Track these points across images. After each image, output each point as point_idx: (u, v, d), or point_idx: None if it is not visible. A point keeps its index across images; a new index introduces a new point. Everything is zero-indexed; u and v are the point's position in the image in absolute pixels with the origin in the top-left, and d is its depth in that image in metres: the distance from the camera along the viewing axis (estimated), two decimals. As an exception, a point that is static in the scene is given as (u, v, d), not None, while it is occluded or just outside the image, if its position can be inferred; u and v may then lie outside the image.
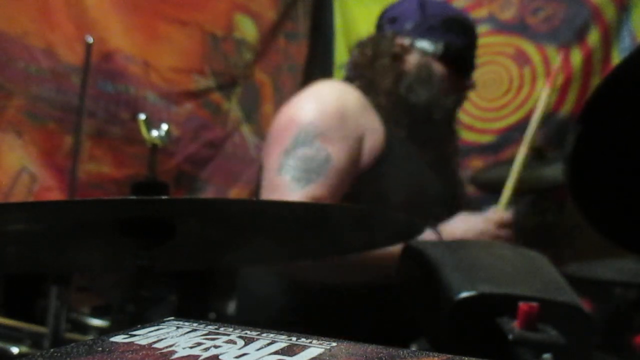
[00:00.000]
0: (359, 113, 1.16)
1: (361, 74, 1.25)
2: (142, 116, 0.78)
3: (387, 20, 1.31)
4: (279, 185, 1.07)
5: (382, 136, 1.18)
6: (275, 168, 1.09)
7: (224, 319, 1.16)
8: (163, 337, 0.31)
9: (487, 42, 1.96)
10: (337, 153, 1.09)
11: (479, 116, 1.96)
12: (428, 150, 1.26)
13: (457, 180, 1.39)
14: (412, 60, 1.24)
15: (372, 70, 1.23)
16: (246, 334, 0.32)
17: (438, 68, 1.23)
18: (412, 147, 1.24)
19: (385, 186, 1.14)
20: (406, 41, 1.25)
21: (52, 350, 0.28)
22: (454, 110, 1.31)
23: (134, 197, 0.65)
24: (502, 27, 1.95)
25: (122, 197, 0.65)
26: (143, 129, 0.78)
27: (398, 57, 1.24)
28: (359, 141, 1.14)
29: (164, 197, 0.65)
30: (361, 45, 1.30)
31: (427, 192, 1.22)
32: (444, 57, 1.22)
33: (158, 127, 0.79)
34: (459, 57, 1.24)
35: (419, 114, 1.21)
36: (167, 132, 0.80)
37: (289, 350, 0.29)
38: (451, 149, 1.38)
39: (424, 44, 1.23)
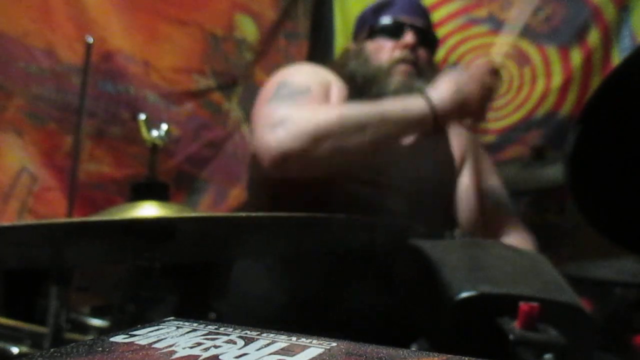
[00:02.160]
0: (325, 72, 1.35)
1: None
2: (142, 116, 0.79)
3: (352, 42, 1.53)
4: (266, 110, 1.21)
5: (345, 96, 1.31)
6: (260, 107, 1.24)
7: (224, 319, 1.16)
8: (163, 337, 0.31)
9: (487, 42, 1.96)
10: (314, 85, 1.26)
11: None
12: None
13: (448, 165, 1.40)
14: (352, 52, 1.43)
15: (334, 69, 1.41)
16: (246, 334, 0.32)
17: (370, 45, 1.39)
18: None
19: None
20: (352, 45, 1.46)
21: (52, 350, 0.28)
22: (407, 66, 1.37)
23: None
24: (502, 27, 1.95)
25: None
26: (143, 129, 0.78)
27: (345, 57, 1.44)
28: (328, 87, 1.30)
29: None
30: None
31: (389, 166, 1.28)
32: (372, 35, 1.40)
33: (158, 127, 0.79)
34: (387, 28, 1.40)
35: (357, 78, 1.36)
36: (167, 132, 0.80)
37: (289, 350, 0.29)
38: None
39: (361, 36, 1.43)
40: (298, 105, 1.20)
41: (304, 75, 1.33)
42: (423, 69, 1.38)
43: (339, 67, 1.40)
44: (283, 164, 1.14)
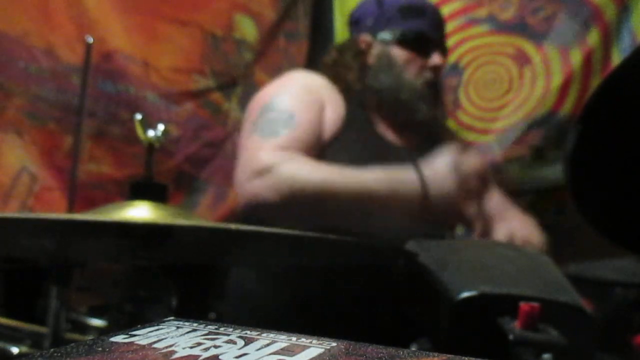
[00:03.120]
0: (322, 88, 1.29)
1: (325, 72, 1.37)
2: (139, 116, 0.79)
3: (351, 24, 1.44)
4: (250, 146, 1.20)
5: (343, 115, 1.27)
6: (245, 136, 1.23)
7: (224, 319, 1.16)
8: (163, 337, 0.31)
9: (487, 42, 1.96)
10: (299, 112, 1.22)
11: (479, 116, 1.96)
12: (411, 135, 1.33)
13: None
14: (374, 52, 1.35)
15: (336, 68, 1.35)
16: (246, 334, 0.32)
17: (398, 53, 1.32)
18: (382, 129, 1.32)
19: (340, 162, 1.20)
20: (368, 37, 1.36)
21: (52, 350, 0.28)
22: (431, 91, 1.35)
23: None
24: (502, 27, 1.95)
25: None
26: (139, 129, 0.78)
27: (362, 52, 1.35)
28: (321, 109, 1.25)
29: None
30: (328, 51, 1.44)
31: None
32: (402, 42, 1.32)
33: (155, 127, 0.79)
34: (418, 40, 1.33)
35: (385, 96, 1.31)
36: (164, 132, 0.80)
37: (289, 350, 0.29)
38: (447, 137, 1.40)
39: (384, 35, 1.34)
40: (283, 149, 1.17)
41: (291, 95, 1.27)
42: (440, 92, 1.38)
43: (356, 64, 1.34)
44: (255, 210, 1.16)
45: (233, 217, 1.88)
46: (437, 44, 1.36)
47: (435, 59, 1.34)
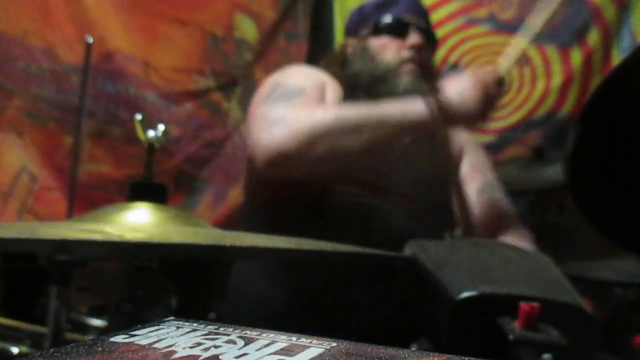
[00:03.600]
0: (322, 76, 1.34)
1: None
2: (139, 116, 0.78)
3: (344, 36, 1.52)
4: (262, 112, 1.20)
5: (340, 100, 1.29)
6: (255, 109, 1.23)
7: (224, 319, 1.16)
8: (163, 337, 0.31)
9: (487, 42, 1.96)
10: (308, 87, 1.25)
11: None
12: None
13: (446, 164, 1.40)
14: (354, 48, 1.41)
15: (324, 69, 1.40)
16: (246, 334, 0.32)
17: (373, 43, 1.37)
18: None
19: None
20: (351, 40, 1.43)
21: (52, 350, 0.28)
22: (412, 68, 1.36)
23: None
24: (502, 27, 1.95)
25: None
26: (139, 130, 0.78)
27: (344, 52, 1.42)
28: (324, 89, 1.29)
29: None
30: (318, 63, 1.49)
31: (385, 164, 1.28)
32: (376, 32, 1.37)
33: (155, 128, 0.79)
34: (392, 26, 1.38)
35: (362, 78, 1.34)
36: (164, 132, 0.80)
37: (289, 350, 0.29)
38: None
39: (363, 32, 1.40)
40: (293, 105, 1.19)
41: (298, 76, 1.32)
42: (426, 70, 1.38)
43: (338, 64, 1.40)
44: (277, 163, 1.13)
45: (235, 218, 1.88)
46: (414, 25, 1.38)
47: (413, 38, 1.36)
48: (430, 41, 1.42)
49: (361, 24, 1.43)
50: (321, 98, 1.27)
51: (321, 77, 1.33)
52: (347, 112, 1.18)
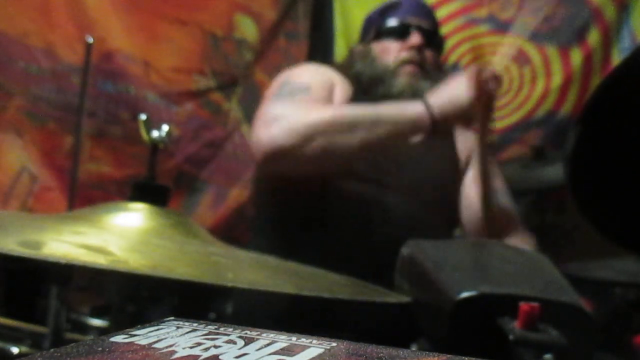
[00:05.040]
0: (330, 72, 1.36)
1: None
2: (143, 116, 0.78)
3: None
4: (267, 108, 1.23)
5: (349, 98, 1.31)
6: (262, 106, 1.26)
7: (224, 319, 1.16)
8: (163, 337, 0.31)
9: (487, 42, 1.96)
10: (315, 85, 1.27)
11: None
12: None
13: (451, 165, 1.40)
14: (358, 53, 1.44)
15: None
16: (246, 334, 0.32)
17: (375, 47, 1.40)
18: None
19: None
20: (357, 46, 1.47)
21: (52, 350, 0.28)
22: (412, 68, 1.37)
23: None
24: (502, 27, 1.95)
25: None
26: (143, 130, 0.78)
27: (351, 57, 1.45)
28: (332, 87, 1.30)
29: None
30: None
31: (392, 164, 1.30)
32: (379, 37, 1.41)
33: (159, 128, 0.79)
34: (393, 29, 1.40)
35: (363, 79, 1.37)
36: (168, 132, 0.79)
37: (289, 350, 0.29)
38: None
39: (367, 38, 1.44)
40: (296, 103, 1.21)
41: (306, 74, 1.34)
42: (429, 70, 1.39)
43: (345, 69, 1.41)
44: (274, 160, 1.16)
45: (236, 216, 1.88)
46: (415, 25, 1.39)
47: (413, 39, 1.37)
48: (434, 41, 1.42)
49: (368, 30, 1.46)
50: (327, 96, 1.29)
51: (330, 75, 1.35)
52: (344, 111, 1.20)
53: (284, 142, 1.14)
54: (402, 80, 1.34)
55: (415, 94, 1.27)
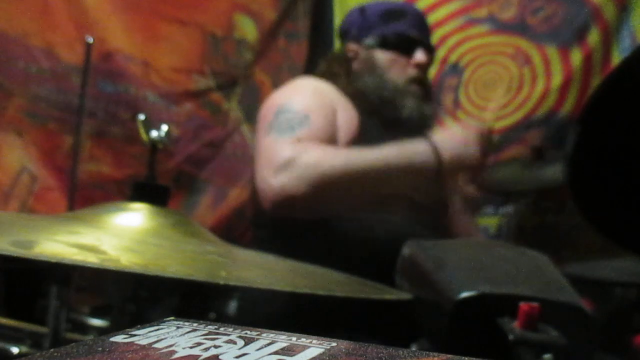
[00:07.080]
0: (331, 93, 1.34)
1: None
2: (142, 117, 0.78)
3: (340, 36, 1.52)
4: (268, 145, 1.22)
5: (357, 122, 1.31)
6: (260, 137, 1.25)
7: (224, 319, 1.16)
8: (163, 337, 0.31)
9: (487, 42, 1.96)
10: (314, 113, 1.25)
11: (478, 116, 1.96)
12: (399, 132, 1.36)
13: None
14: (359, 58, 1.41)
15: (326, 78, 1.40)
16: (246, 334, 0.32)
17: (381, 56, 1.38)
18: (388, 133, 1.34)
19: None
20: (354, 46, 1.43)
21: (52, 350, 0.28)
22: (417, 88, 1.40)
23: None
24: (502, 27, 1.95)
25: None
26: (142, 130, 0.78)
27: (348, 60, 1.42)
28: (333, 112, 1.29)
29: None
30: (319, 63, 1.51)
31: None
32: (384, 45, 1.38)
33: (158, 128, 0.79)
34: (399, 41, 1.39)
35: (370, 97, 1.36)
36: (167, 133, 0.79)
37: (289, 350, 0.29)
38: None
39: (367, 41, 1.41)
40: (301, 142, 1.19)
41: (304, 98, 1.31)
42: (429, 90, 1.41)
43: (342, 71, 1.40)
44: (282, 207, 1.18)
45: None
46: (420, 42, 1.40)
47: (419, 56, 1.38)
48: (433, 59, 1.46)
49: (364, 31, 1.42)
50: (329, 127, 1.26)
51: (329, 96, 1.33)
52: (355, 159, 1.20)
53: (295, 192, 1.14)
54: (410, 103, 1.36)
55: (420, 117, 1.32)
